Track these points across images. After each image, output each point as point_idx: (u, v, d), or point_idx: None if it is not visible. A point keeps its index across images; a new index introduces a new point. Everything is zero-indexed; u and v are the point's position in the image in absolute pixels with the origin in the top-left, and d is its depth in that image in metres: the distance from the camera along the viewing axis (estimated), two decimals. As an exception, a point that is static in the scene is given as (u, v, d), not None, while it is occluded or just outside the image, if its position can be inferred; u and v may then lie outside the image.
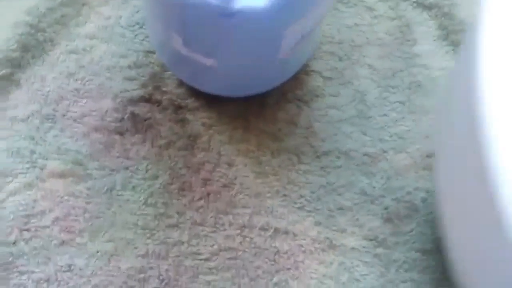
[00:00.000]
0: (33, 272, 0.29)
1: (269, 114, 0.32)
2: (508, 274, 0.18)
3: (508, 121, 0.18)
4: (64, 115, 0.31)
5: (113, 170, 0.30)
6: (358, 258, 0.30)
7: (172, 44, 0.28)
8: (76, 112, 0.31)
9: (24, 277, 0.29)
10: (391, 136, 0.32)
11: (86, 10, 0.33)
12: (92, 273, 0.29)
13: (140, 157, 0.31)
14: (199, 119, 0.31)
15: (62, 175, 0.30)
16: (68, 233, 0.29)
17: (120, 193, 0.30)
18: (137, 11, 0.33)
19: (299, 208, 0.30)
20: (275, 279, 0.29)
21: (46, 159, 0.30)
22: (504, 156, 0.17)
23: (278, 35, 0.26)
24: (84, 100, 0.31)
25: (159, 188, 0.30)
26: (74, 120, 0.31)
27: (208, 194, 0.30)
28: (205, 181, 0.30)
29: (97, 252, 0.29)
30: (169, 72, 0.32)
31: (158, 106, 0.31)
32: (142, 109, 0.31)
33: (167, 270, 0.29)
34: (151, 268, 0.29)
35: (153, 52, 0.32)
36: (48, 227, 0.29)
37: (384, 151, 0.31)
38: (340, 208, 0.30)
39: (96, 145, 0.31)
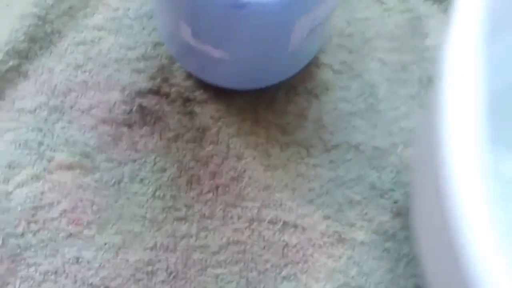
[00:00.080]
0: (40, 264, 0.29)
1: (278, 107, 0.31)
2: None
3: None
4: (72, 107, 0.31)
5: (121, 162, 0.30)
6: (367, 252, 0.29)
7: (180, 35, 0.28)
8: (84, 104, 0.31)
9: (32, 269, 0.29)
10: (401, 130, 0.31)
11: (94, 1, 0.33)
12: (100, 265, 0.29)
13: (148, 150, 0.30)
14: (207, 112, 0.31)
15: (70, 167, 0.30)
16: (75, 226, 0.29)
17: (128, 185, 0.30)
18: (146, 3, 0.33)
19: (308, 201, 0.30)
20: (283, 273, 0.29)
21: (54, 151, 0.30)
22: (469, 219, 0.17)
23: (288, 27, 0.26)
24: (92, 92, 0.31)
25: (167, 181, 0.30)
26: (82, 112, 0.31)
27: (217, 187, 0.30)
28: (214, 174, 0.30)
29: (105, 244, 0.29)
30: (178, 64, 0.32)
31: (166, 98, 0.31)
32: (150, 102, 0.31)
33: (175, 263, 0.29)
34: (159, 261, 0.29)
35: (161, 44, 0.32)
36: (56, 219, 0.29)
37: (394, 145, 0.31)
38: (349, 202, 0.30)
39: (104, 137, 0.31)
